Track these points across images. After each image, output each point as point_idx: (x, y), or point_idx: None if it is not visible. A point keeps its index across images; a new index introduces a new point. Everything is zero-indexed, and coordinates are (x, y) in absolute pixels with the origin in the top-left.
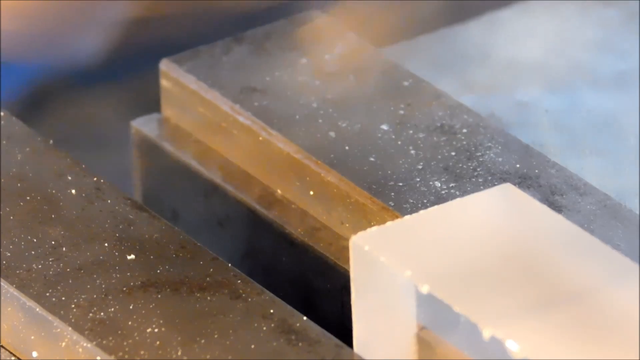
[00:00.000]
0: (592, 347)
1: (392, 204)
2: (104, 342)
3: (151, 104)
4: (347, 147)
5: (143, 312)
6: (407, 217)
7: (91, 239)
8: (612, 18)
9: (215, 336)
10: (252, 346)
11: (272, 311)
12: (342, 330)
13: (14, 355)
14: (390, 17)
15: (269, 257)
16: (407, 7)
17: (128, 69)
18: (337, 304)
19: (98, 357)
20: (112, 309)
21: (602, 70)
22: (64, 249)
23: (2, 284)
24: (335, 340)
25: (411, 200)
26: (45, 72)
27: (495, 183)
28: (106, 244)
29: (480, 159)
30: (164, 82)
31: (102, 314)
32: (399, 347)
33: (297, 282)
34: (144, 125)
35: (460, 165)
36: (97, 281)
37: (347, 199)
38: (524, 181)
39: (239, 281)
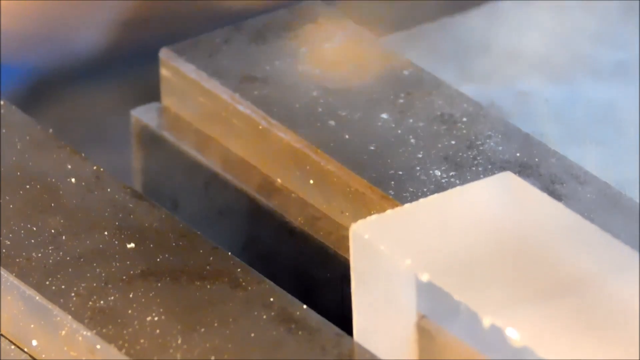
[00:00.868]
0: (592, 335)
1: (392, 193)
2: (104, 330)
3: (151, 95)
4: (347, 136)
5: (143, 300)
6: (407, 205)
7: (91, 227)
8: (613, 8)
9: (215, 325)
10: (252, 335)
11: (272, 300)
12: (342, 319)
13: (14, 344)
14: (390, 6)
15: (268, 246)
16: None
17: (128, 61)
18: (337, 293)
19: (98, 346)
20: (112, 298)
21: (603, 61)
22: (63, 237)
23: (1, 272)
24: (336, 329)
25: (411, 189)
26: (44, 64)
27: (496, 172)
28: (106, 233)
29: (481, 148)
30: (163, 71)
31: (101, 302)
32: (399, 335)
33: (297, 271)
34: (143, 115)
35: (460, 154)
36: (97, 270)
37: (347, 187)
38: (524, 170)
39: (239, 270)
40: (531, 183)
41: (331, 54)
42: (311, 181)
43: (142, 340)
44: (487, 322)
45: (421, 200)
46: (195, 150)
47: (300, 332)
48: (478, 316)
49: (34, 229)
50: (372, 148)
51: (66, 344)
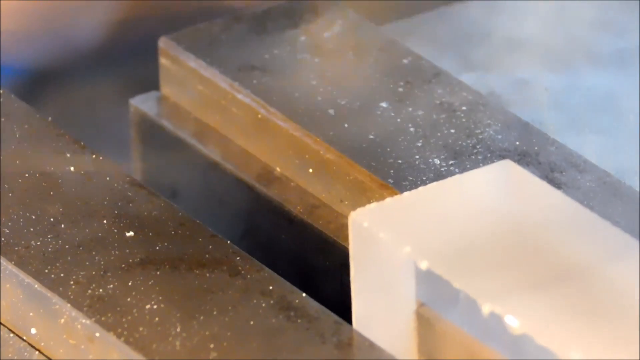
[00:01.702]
0: (591, 322)
1: (392, 181)
2: (103, 318)
3: (150, 87)
4: (346, 125)
5: (142, 289)
6: (406, 193)
7: (90, 216)
8: None
9: (214, 313)
10: (251, 322)
11: (271, 288)
12: (341, 307)
13: (13, 332)
14: None
15: (268, 235)
16: None
17: (127, 53)
18: (336, 281)
19: (97, 334)
20: (111, 286)
21: (602, 49)
22: (62, 226)
23: (1, 261)
24: (335, 317)
25: (410, 178)
26: (44, 56)
27: (495, 160)
28: (105, 221)
29: (480, 137)
30: (162, 60)
31: (100, 290)
32: (398, 323)
33: (296, 260)
34: (142, 103)
35: (460, 142)
36: (96, 258)
37: (346, 176)
38: (524, 158)
39: (238, 258)
40: (531, 171)
41: (331, 42)
42: (310, 170)
43: (141, 328)
44: (486, 309)
45: (420, 188)
46: (194, 139)
47: (299, 320)
48: (477, 304)
49: (33, 217)
50: (372, 137)
51: (65, 332)
